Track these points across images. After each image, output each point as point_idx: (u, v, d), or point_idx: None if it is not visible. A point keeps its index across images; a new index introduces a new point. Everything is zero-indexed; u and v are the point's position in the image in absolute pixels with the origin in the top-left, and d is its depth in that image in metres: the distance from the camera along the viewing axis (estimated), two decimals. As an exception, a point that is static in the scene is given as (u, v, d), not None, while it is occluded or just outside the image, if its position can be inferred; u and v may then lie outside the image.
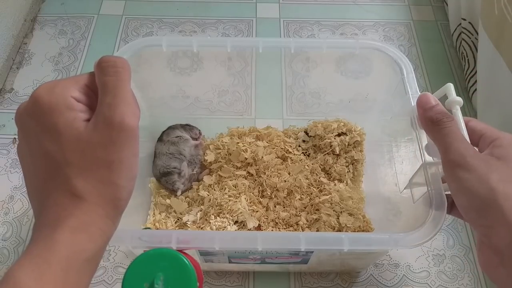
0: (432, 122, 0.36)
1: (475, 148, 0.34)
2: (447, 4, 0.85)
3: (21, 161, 0.30)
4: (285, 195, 0.57)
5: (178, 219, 0.57)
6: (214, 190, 0.57)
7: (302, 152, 0.62)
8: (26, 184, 0.29)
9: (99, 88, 0.29)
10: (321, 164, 0.60)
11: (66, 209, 0.26)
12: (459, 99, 0.39)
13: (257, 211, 0.56)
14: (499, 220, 0.30)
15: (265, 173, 0.58)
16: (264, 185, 0.57)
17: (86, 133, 0.27)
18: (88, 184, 0.27)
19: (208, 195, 0.57)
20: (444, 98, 0.41)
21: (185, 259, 0.36)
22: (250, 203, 0.56)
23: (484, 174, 0.32)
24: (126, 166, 0.28)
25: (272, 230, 0.55)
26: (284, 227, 0.55)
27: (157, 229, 0.56)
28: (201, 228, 0.55)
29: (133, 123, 0.28)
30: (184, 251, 0.38)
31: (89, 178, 0.27)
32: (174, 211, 0.58)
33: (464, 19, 0.76)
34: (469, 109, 0.75)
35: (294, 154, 0.61)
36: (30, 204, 0.62)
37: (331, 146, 0.60)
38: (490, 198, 0.31)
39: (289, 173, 0.58)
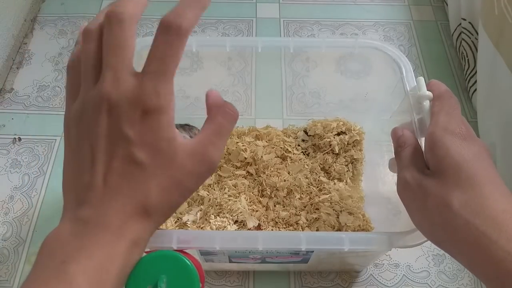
0: (394, 150, 0.38)
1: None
2: (447, 4, 0.85)
3: (70, 150, 0.28)
4: (285, 195, 0.57)
5: (178, 219, 0.57)
6: (214, 189, 0.57)
7: (302, 152, 0.62)
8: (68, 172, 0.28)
9: (211, 123, 0.29)
10: (320, 163, 0.60)
11: (131, 221, 0.26)
12: (428, 93, 0.39)
13: (257, 211, 0.56)
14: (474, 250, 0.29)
15: (264, 173, 0.58)
16: (264, 184, 0.57)
17: (181, 157, 0.27)
18: (160, 205, 0.27)
19: (208, 195, 0.57)
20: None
21: (187, 261, 0.36)
22: (250, 202, 0.56)
23: (443, 200, 0.30)
24: (191, 194, 0.29)
25: (272, 229, 0.55)
26: (284, 226, 0.55)
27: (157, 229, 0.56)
28: (201, 228, 0.55)
29: (218, 163, 0.29)
30: (184, 251, 0.38)
31: (164, 200, 0.27)
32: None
33: (464, 19, 0.76)
34: (469, 109, 0.75)
35: (293, 154, 0.61)
36: (30, 204, 0.63)
37: (330, 145, 0.60)
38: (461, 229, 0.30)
39: (288, 173, 0.58)
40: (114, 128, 0.26)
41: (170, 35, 0.27)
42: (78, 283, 0.23)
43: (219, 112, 0.29)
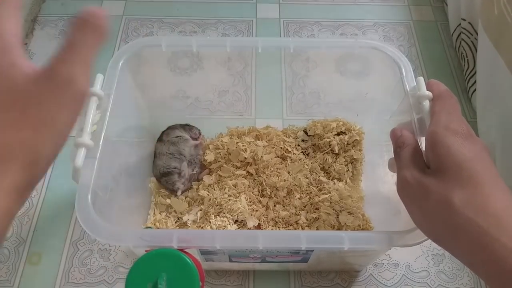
0: (394, 151, 0.38)
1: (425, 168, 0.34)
2: (446, 4, 0.86)
3: None
4: (285, 194, 0.57)
5: (178, 218, 0.58)
6: (214, 189, 0.57)
7: (302, 152, 0.62)
8: None
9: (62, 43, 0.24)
10: (320, 163, 0.61)
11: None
12: (428, 93, 0.39)
13: (257, 211, 0.56)
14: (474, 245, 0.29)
15: (264, 173, 0.58)
16: (264, 184, 0.57)
17: (23, 84, 0.23)
18: (18, 141, 0.22)
19: (208, 195, 0.57)
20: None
21: (188, 259, 0.36)
22: (250, 202, 0.56)
23: (444, 198, 0.31)
24: (58, 130, 0.23)
25: (272, 229, 0.55)
26: (284, 226, 0.56)
27: (158, 228, 0.56)
28: (201, 228, 0.55)
29: (85, 86, 0.24)
30: (185, 250, 0.38)
31: (19, 137, 0.22)
32: (174, 211, 0.58)
33: (464, 19, 0.76)
34: (469, 109, 0.75)
35: (293, 154, 0.61)
36: (30, 204, 0.63)
37: (330, 145, 0.60)
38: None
39: (288, 173, 0.59)
40: None
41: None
42: None
43: (74, 22, 0.25)
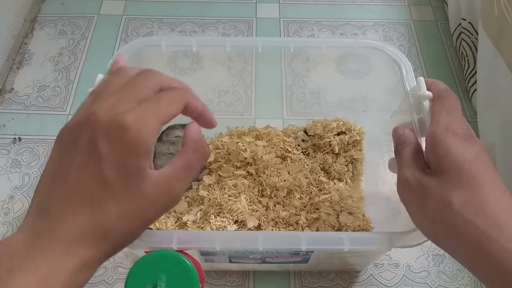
0: (394, 149, 0.38)
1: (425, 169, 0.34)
2: (447, 4, 0.85)
3: (58, 161, 0.27)
4: (285, 195, 0.57)
5: (178, 219, 0.57)
6: (214, 189, 0.57)
7: (302, 152, 0.62)
8: (49, 184, 0.27)
9: (181, 157, 0.29)
10: (320, 163, 0.60)
11: (85, 239, 0.25)
12: (428, 93, 0.39)
13: (257, 211, 0.56)
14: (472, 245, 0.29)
15: (264, 173, 0.58)
16: (264, 184, 0.57)
17: (147, 188, 0.27)
18: (119, 229, 0.26)
19: (208, 195, 0.57)
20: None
21: (187, 261, 0.36)
22: (250, 202, 0.56)
23: (442, 199, 0.31)
24: (149, 223, 0.29)
25: (272, 229, 0.55)
26: (284, 226, 0.55)
27: (157, 229, 0.56)
28: (201, 228, 0.55)
29: (179, 198, 0.30)
30: (184, 251, 0.38)
31: (123, 226, 0.26)
32: (174, 211, 0.58)
33: (464, 19, 0.76)
34: (469, 109, 0.75)
35: (293, 154, 0.61)
36: (30, 203, 0.63)
37: (330, 145, 0.60)
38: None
39: (288, 173, 0.58)
40: (92, 142, 0.26)
41: (174, 90, 0.30)
42: None
43: (191, 148, 0.30)
